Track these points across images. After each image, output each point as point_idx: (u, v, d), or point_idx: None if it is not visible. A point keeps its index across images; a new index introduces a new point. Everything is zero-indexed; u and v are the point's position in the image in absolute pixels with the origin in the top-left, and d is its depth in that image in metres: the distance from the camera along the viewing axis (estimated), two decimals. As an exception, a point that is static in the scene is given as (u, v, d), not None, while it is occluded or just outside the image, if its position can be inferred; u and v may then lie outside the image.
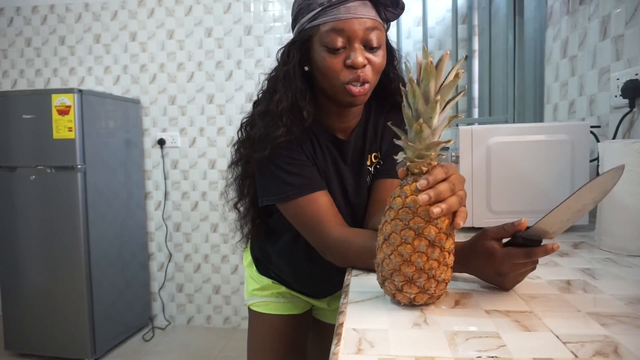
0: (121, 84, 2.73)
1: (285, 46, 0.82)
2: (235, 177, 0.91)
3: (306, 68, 0.81)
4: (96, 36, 2.74)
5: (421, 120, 0.51)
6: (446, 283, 0.56)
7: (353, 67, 0.73)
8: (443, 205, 0.51)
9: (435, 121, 0.52)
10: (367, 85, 0.76)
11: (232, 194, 0.94)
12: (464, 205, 0.54)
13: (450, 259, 0.55)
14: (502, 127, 0.97)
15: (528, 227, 0.56)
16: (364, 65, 0.74)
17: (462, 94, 0.53)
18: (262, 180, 0.83)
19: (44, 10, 2.78)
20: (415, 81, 0.52)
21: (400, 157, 0.56)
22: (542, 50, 1.56)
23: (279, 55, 0.83)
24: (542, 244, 0.56)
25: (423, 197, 0.51)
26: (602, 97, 1.17)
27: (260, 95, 0.87)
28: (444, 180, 0.52)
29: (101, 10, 2.72)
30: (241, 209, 0.95)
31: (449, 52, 0.51)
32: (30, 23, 2.81)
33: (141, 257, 2.70)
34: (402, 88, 0.57)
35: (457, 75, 0.51)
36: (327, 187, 0.84)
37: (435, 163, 0.54)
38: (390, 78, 0.85)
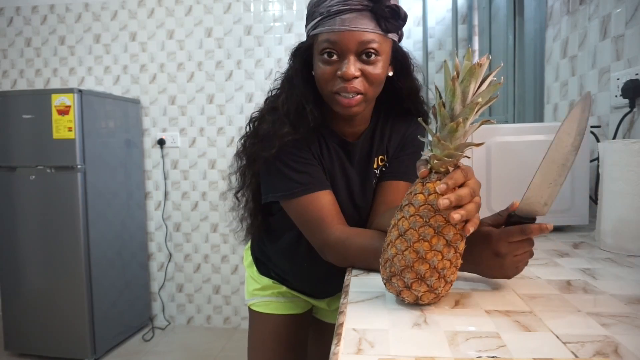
0: (121, 84, 2.73)
1: (292, 49, 0.84)
2: (239, 166, 0.91)
3: (313, 72, 0.82)
4: (96, 36, 2.74)
5: (460, 119, 0.51)
6: (451, 285, 0.56)
7: (343, 78, 0.74)
8: (462, 212, 0.51)
9: (469, 123, 0.52)
10: (359, 97, 0.76)
11: (234, 183, 0.95)
12: (478, 212, 0.55)
13: (459, 262, 0.56)
14: (502, 127, 0.97)
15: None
16: (355, 77, 0.74)
17: (494, 99, 0.53)
18: (268, 177, 0.83)
19: (44, 10, 2.78)
20: (459, 81, 0.51)
21: (426, 154, 0.56)
22: (542, 50, 1.56)
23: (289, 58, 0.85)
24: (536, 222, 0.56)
25: (444, 201, 0.51)
26: (602, 97, 1.17)
27: (271, 93, 0.88)
28: (462, 184, 0.53)
29: (101, 10, 2.72)
30: (242, 198, 0.95)
31: (490, 58, 0.51)
32: (30, 23, 2.81)
33: (141, 257, 2.70)
34: (436, 94, 0.55)
35: (499, 83, 0.52)
36: (334, 188, 0.84)
37: (459, 165, 0.54)
38: (406, 87, 0.85)
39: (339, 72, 0.74)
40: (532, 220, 0.57)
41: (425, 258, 0.53)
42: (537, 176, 0.53)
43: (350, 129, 0.87)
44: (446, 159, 0.53)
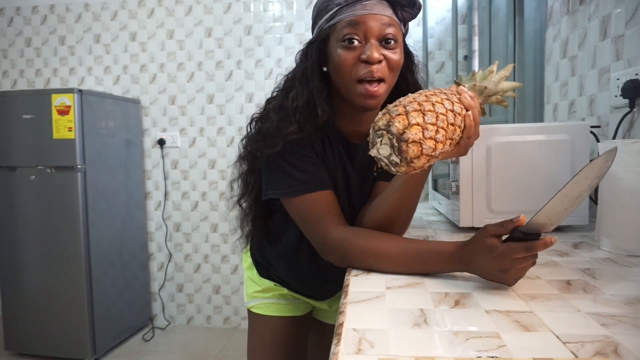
0: (121, 84, 2.73)
1: (304, 46, 0.83)
2: (241, 173, 0.90)
3: (325, 68, 0.81)
4: (96, 36, 2.74)
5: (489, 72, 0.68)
6: (430, 157, 0.59)
7: (368, 62, 0.73)
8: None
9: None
10: (382, 84, 0.75)
11: (236, 190, 0.94)
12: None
13: (448, 142, 0.62)
14: (502, 127, 0.97)
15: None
16: (380, 61, 0.74)
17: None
18: (270, 174, 0.82)
19: (44, 10, 2.78)
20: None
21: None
22: (542, 50, 1.56)
23: (298, 56, 0.84)
24: (540, 237, 0.57)
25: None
26: (602, 97, 1.17)
27: (275, 93, 0.87)
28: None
29: (101, 10, 2.72)
30: (244, 205, 0.95)
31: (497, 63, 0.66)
32: (30, 23, 2.81)
33: (141, 257, 2.70)
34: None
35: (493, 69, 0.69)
36: (334, 188, 0.84)
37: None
38: (409, 82, 0.85)
39: (363, 56, 0.73)
40: (536, 235, 0.57)
41: (433, 101, 0.60)
42: (549, 205, 0.53)
43: (357, 127, 0.86)
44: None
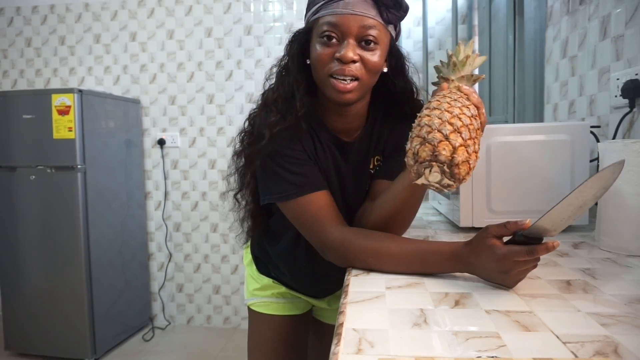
0: (121, 84, 2.73)
1: (290, 36, 0.84)
2: (238, 167, 0.90)
3: (308, 61, 0.82)
4: (96, 36, 2.74)
5: (465, 59, 0.68)
6: (469, 163, 0.61)
7: (341, 60, 0.73)
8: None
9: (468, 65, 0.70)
10: (355, 83, 0.75)
11: (232, 184, 0.94)
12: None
13: (477, 143, 0.63)
14: (502, 127, 0.97)
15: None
16: (354, 61, 0.74)
17: (484, 58, 0.72)
18: (264, 179, 0.83)
19: (44, 10, 2.78)
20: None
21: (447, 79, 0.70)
22: (542, 50, 1.56)
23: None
24: (542, 241, 0.57)
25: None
26: (602, 97, 1.17)
27: (267, 85, 0.89)
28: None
29: (101, 10, 2.72)
30: (241, 200, 0.95)
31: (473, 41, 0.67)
32: (30, 23, 2.81)
33: (141, 257, 2.70)
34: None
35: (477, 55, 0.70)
36: (328, 187, 0.84)
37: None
38: (400, 87, 0.85)
39: (337, 55, 0.74)
40: (538, 239, 0.57)
41: (456, 114, 0.61)
42: (553, 211, 0.54)
43: (344, 125, 0.86)
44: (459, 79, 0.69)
